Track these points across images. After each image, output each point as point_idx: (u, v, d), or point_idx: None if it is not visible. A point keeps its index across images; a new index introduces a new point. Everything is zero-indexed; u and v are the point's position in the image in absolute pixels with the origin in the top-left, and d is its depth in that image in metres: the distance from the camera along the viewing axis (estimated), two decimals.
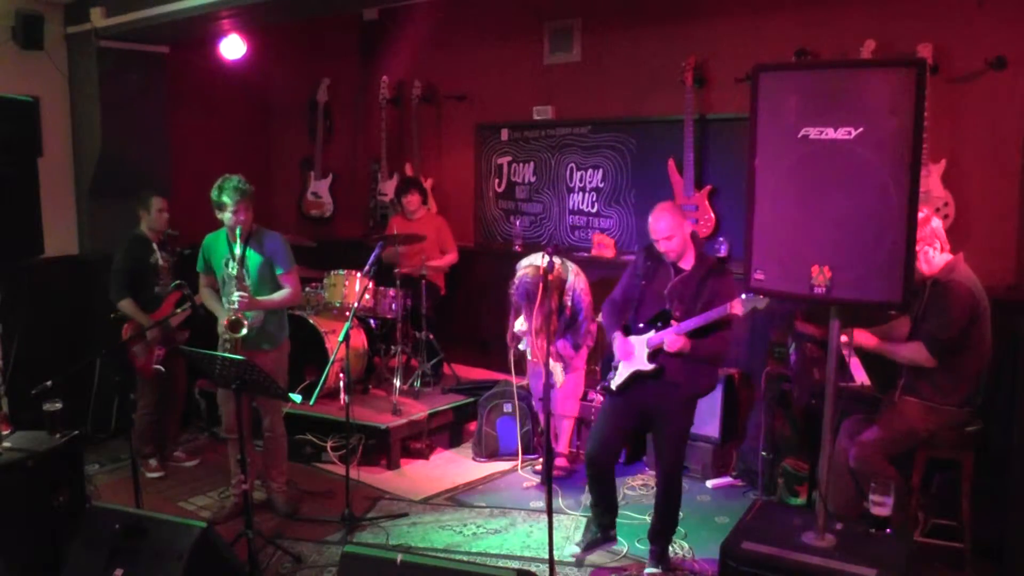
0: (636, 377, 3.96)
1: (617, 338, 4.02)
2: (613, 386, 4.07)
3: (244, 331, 4.31)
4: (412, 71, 7.10)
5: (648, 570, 4.04)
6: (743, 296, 3.64)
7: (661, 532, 4.07)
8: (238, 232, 4.33)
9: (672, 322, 3.84)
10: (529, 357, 5.21)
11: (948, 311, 3.72)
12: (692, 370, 3.89)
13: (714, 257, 4.10)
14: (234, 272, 4.34)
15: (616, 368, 4.07)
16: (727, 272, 3.97)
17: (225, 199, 4.28)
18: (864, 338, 3.98)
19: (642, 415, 4.05)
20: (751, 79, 3.00)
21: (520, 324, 5.09)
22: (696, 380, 3.94)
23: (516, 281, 4.93)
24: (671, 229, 3.85)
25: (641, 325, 3.97)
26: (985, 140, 4.59)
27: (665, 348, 3.82)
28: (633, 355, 3.97)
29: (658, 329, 3.88)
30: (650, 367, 3.90)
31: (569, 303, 5.02)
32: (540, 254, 4.80)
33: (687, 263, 3.93)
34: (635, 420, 4.10)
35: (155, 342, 5.12)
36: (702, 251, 3.99)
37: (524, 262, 5.13)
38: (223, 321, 4.35)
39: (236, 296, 4.29)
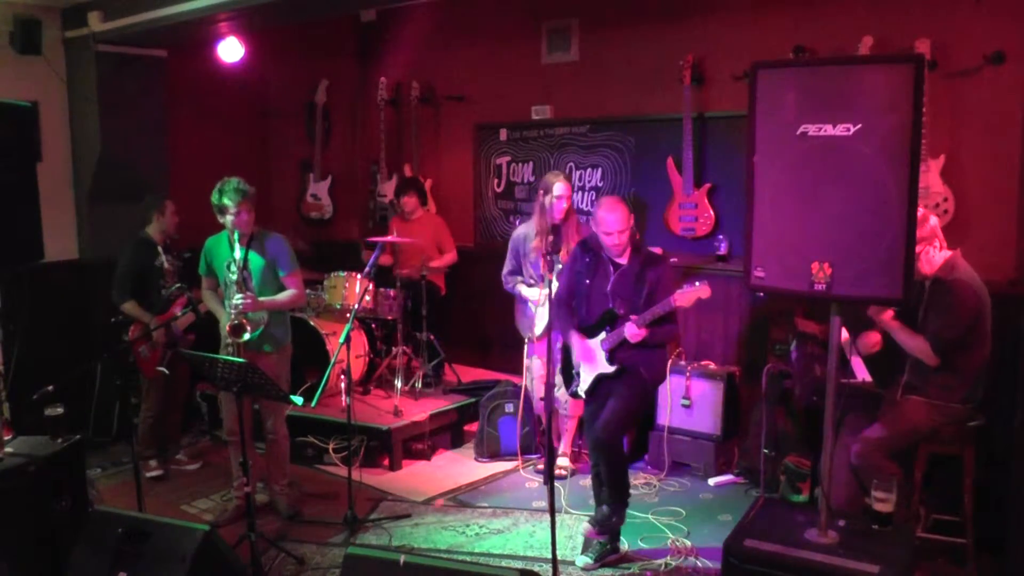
0: (600, 379, 4.05)
1: (575, 341, 4.09)
2: (582, 393, 4.15)
3: (247, 336, 4.32)
4: (410, 72, 7.10)
5: (582, 527, 4.18)
6: (683, 288, 3.78)
7: (611, 495, 4.09)
8: (237, 235, 4.34)
9: (619, 321, 3.94)
10: (536, 334, 5.16)
11: (953, 311, 3.70)
12: (649, 358, 4.00)
13: (648, 249, 4.21)
14: (235, 277, 4.34)
15: (579, 374, 4.15)
16: (663, 261, 4.11)
17: (226, 201, 4.28)
18: (891, 321, 3.93)
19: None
20: (749, 77, 3.00)
21: (531, 292, 5.06)
22: (655, 367, 4.06)
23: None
24: (623, 223, 3.95)
25: (588, 326, 4.06)
26: (984, 135, 4.59)
27: (628, 339, 3.91)
28: (593, 359, 4.05)
29: (608, 331, 3.97)
30: (612, 368, 3.99)
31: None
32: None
33: (624, 258, 4.03)
34: None
35: (160, 343, 5.12)
36: (638, 244, 4.08)
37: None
38: (225, 326, 4.35)
39: (238, 298, 4.29)
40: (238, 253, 4.35)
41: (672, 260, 5.45)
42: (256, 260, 4.45)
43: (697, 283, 3.79)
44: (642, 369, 4.00)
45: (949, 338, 3.72)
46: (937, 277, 3.80)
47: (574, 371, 4.17)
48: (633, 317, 3.91)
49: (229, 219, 4.32)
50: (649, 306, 3.89)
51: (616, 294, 4.00)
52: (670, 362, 5.02)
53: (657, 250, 5.41)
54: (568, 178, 5.06)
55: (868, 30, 4.70)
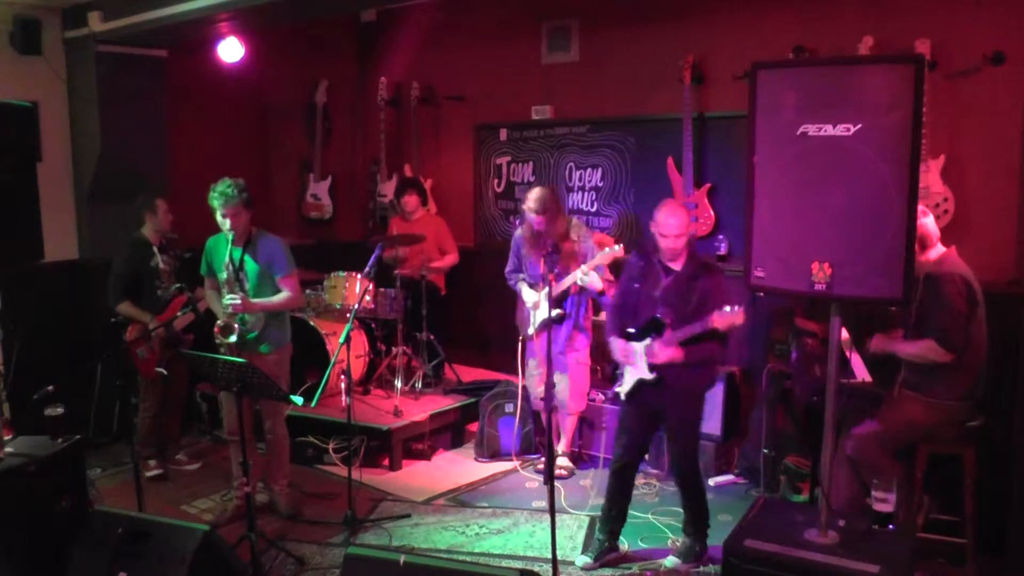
0: (641, 384, 3.99)
1: (613, 342, 4.05)
2: (622, 394, 4.09)
3: (233, 337, 4.34)
4: (410, 72, 7.10)
5: (667, 560, 4.08)
6: (721, 310, 3.67)
7: (689, 524, 4.11)
8: (231, 237, 4.36)
9: (665, 329, 3.85)
10: (531, 332, 5.15)
11: (949, 302, 3.71)
12: (689, 373, 3.91)
13: (704, 257, 4.06)
14: (224, 276, 4.36)
15: (622, 374, 4.10)
16: (717, 271, 3.97)
17: (214, 204, 4.31)
18: (880, 343, 3.96)
19: (653, 416, 4.08)
20: (750, 77, 3.00)
21: (529, 295, 5.07)
22: (696, 380, 3.97)
23: (528, 197, 4.92)
24: (681, 228, 3.85)
25: (633, 331, 3.98)
26: (984, 135, 4.59)
27: (656, 359, 3.84)
28: (635, 362, 3.98)
29: (653, 339, 3.89)
30: (651, 376, 3.91)
31: (577, 249, 4.99)
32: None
33: (678, 264, 3.93)
34: (649, 422, 4.12)
35: (159, 343, 5.12)
36: (694, 251, 3.98)
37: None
38: (215, 327, 4.38)
39: (228, 299, 4.30)
40: (225, 256, 4.38)
41: None
42: (251, 262, 4.45)
43: (736, 308, 3.66)
44: (679, 380, 3.90)
45: (955, 329, 3.72)
46: (928, 273, 3.82)
47: (618, 371, 4.12)
48: (668, 332, 3.80)
49: (219, 221, 4.34)
50: (697, 316, 3.77)
51: (664, 300, 3.90)
52: None
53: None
54: (539, 204, 4.82)
55: (868, 30, 4.70)
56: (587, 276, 4.81)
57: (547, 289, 4.67)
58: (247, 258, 4.44)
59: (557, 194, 5.07)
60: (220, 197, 4.28)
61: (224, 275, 4.38)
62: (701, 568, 4.06)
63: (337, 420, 5.38)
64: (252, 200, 4.41)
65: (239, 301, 4.32)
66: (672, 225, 3.83)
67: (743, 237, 3.08)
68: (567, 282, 4.86)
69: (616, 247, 4.69)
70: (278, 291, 4.50)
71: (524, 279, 5.17)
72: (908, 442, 3.89)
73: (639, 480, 5.06)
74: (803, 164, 2.89)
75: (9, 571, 3.41)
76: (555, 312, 4.84)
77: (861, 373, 4.31)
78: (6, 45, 5.68)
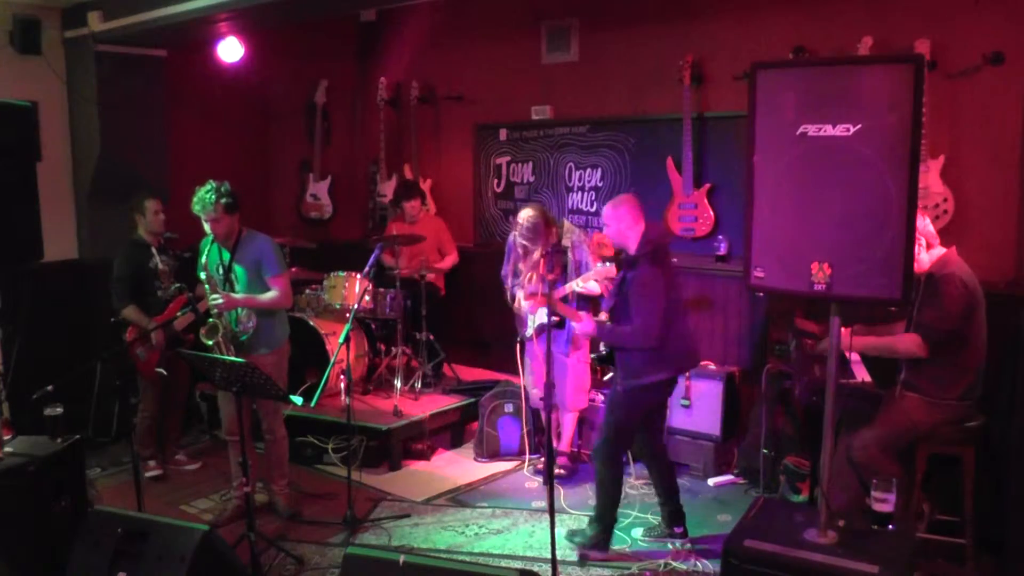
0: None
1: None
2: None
3: (217, 337, 4.33)
4: (410, 72, 7.10)
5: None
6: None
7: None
8: (211, 239, 4.38)
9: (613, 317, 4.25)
10: (529, 332, 5.15)
11: (943, 303, 3.72)
12: (623, 359, 4.13)
13: (647, 251, 4.08)
14: (204, 276, 4.37)
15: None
16: (642, 262, 4.04)
17: (195, 210, 4.31)
18: (858, 341, 3.98)
19: None
20: (749, 77, 3.00)
21: (524, 301, 5.07)
22: (628, 370, 4.11)
23: (519, 222, 4.94)
24: (607, 219, 4.15)
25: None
26: (984, 135, 4.59)
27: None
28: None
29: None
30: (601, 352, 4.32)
31: (572, 256, 5.04)
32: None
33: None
34: None
35: (159, 344, 5.12)
36: (646, 243, 4.06)
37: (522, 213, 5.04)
38: (202, 329, 4.41)
39: (212, 300, 4.33)
40: (205, 258, 4.40)
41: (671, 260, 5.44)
42: (241, 262, 4.45)
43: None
44: (619, 363, 4.14)
45: (943, 330, 3.73)
46: (930, 273, 3.82)
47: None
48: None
49: (203, 225, 4.36)
50: (624, 306, 4.05)
51: (613, 290, 4.21)
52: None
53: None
54: (531, 233, 4.83)
55: (868, 30, 4.70)
56: (583, 286, 4.84)
57: (546, 289, 4.67)
58: (236, 259, 4.44)
59: (547, 214, 4.97)
60: (199, 204, 4.30)
61: (203, 275, 4.38)
62: (698, 564, 4.06)
63: (337, 420, 5.38)
64: (237, 204, 4.38)
65: (222, 301, 4.32)
66: (602, 214, 4.21)
67: (743, 237, 3.08)
68: (563, 292, 4.85)
69: (608, 264, 4.65)
70: (268, 291, 4.49)
71: (518, 283, 5.16)
72: (909, 442, 3.89)
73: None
74: (803, 164, 2.88)
75: (9, 571, 3.41)
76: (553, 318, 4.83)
77: (861, 373, 4.31)
78: (6, 45, 5.68)
